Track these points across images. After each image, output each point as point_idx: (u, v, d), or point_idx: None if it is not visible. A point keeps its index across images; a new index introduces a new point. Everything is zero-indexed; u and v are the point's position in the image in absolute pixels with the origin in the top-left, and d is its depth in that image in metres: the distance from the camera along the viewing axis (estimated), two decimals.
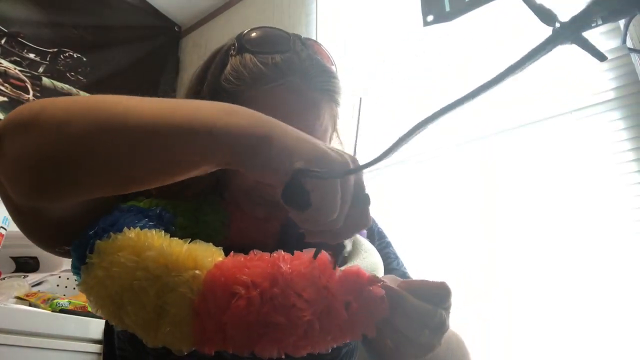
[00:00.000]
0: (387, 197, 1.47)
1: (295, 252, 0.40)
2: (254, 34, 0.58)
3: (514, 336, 1.11)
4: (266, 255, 0.39)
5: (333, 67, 0.61)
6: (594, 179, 1.12)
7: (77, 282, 0.42)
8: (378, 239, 0.70)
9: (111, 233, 0.42)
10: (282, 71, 0.55)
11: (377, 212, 0.75)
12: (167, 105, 0.38)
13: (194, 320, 0.37)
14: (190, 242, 0.42)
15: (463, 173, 1.35)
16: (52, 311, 1.21)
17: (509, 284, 1.16)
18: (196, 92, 0.60)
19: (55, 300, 1.22)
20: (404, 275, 0.67)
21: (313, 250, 0.40)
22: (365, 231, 0.61)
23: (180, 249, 0.40)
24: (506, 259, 1.18)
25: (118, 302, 0.38)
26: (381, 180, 1.51)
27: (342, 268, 0.41)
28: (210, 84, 0.58)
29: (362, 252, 0.52)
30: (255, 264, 0.38)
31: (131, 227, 0.43)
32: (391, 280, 0.41)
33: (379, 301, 0.37)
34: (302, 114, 0.55)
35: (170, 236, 0.46)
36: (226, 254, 0.41)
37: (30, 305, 1.25)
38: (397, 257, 0.70)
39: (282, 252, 0.40)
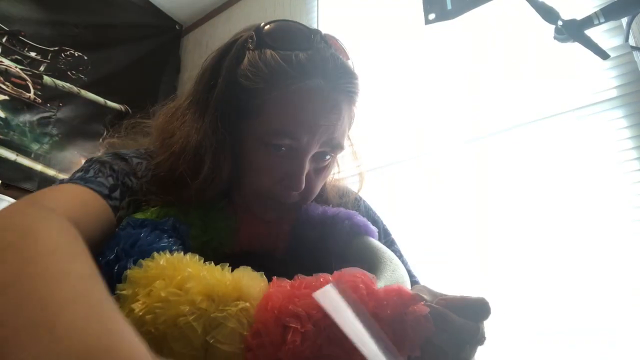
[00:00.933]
0: (388, 195, 1.47)
1: (336, 273, 0.38)
2: (274, 28, 0.56)
3: (512, 336, 1.11)
4: (313, 280, 0.37)
5: (350, 63, 0.59)
6: (596, 177, 1.12)
7: None
8: (384, 236, 0.70)
9: (141, 260, 0.39)
10: (306, 70, 0.53)
11: (381, 209, 0.75)
12: None
13: (247, 357, 0.35)
14: (230, 268, 0.39)
15: (465, 172, 1.35)
16: None
17: (512, 283, 1.16)
18: (211, 86, 0.57)
19: None
20: (408, 272, 0.67)
21: (349, 269, 0.38)
22: (376, 231, 0.60)
23: (223, 278, 0.38)
24: (507, 258, 1.18)
25: (160, 339, 0.35)
26: (384, 178, 1.51)
27: (381, 285, 0.39)
28: (226, 79, 0.55)
29: (388, 263, 0.50)
30: (305, 292, 0.36)
31: (161, 252, 0.40)
32: (426, 292, 0.40)
33: (423, 321, 0.36)
34: (324, 115, 0.54)
35: (187, 250, 0.43)
36: (237, 259, 0.40)
37: None
38: (401, 256, 0.69)
39: (323, 277, 0.38)
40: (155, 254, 0.40)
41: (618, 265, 1.03)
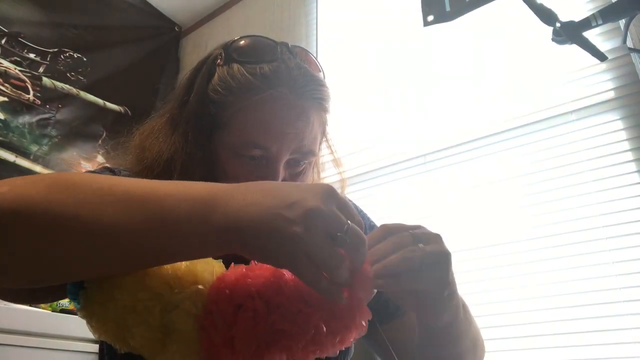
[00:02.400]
0: (389, 198, 1.47)
1: None
2: (241, 43, 0.58)
3: (511, 336, 1.11)
4: (267, 264, 0.39)
5: (321, 75, 0.61)
6: (593, 178, 1.12)
7: (76, 309, 0.41)
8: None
9: None
10: (271, 81, 0.55)
11: (385, 214, 0.75)
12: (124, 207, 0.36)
13: (201, 336, 0.36)
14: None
15: (463, 173, 1.35)
16: (52, 311, 1.21)
17: (511, 283, 1.16)
18: (183, 102, 0.60)
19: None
20: None
21: None
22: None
23: (180, 265, 0.39)
24: (505, 259, 1.18)
25: (122, 324, 0.37)
26: (381, 180, 1.51)
27: None
28: (197, 94, 0.58)
29: None
30: (258, 273, 0.38)
31: None
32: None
33: (369, 281, 0.37)
34: (291, 123, 0.55)
35: None
36: (226, 265, 0.41)
37: (30, 305, 1.25)
38: None
39: None
40: None
41: (618, 265, 1.03)
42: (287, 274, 0.37)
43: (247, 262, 0.40)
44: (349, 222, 0.35)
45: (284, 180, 0.58)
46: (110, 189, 0.37)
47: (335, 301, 0.35)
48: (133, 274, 0.38)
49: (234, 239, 0.34)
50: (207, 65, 0.59)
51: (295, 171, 0.59)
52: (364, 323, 0.37)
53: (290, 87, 0.55)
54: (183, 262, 0.39)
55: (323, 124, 0.63)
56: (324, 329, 0.36)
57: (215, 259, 0.42)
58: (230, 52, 0.58)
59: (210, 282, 0.38)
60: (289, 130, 0.55)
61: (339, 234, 0.34)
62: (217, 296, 0.37)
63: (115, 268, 0.37)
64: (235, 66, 0.56)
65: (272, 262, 0.35)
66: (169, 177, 0.57)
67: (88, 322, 0.40)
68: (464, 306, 0.54)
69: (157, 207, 0.35)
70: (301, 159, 0.59)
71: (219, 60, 0.58)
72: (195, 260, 0.40)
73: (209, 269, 0.39)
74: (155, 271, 0.38)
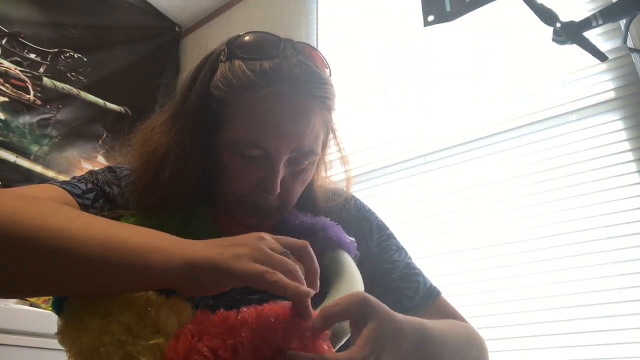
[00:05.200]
0: (390, 199, 1.48)
1: (265, 305, 0.39)
2: (244, 39, 0.57)
3: (510, 336, 1.11)
4: (232, 315, 0.38)
5: (327, 71, 0.60)
6: (593, 179, 1.12)
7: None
8: (377, 232, 0.70)
9: None
10: (270, 78, 0.54)
11: (386, 213, 0.75)
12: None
13: None
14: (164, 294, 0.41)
15: (463, 173, 1.35)
16: (53, 311, 1.21)
17: (504, 284, 1.16)
18: (185, 98, 0.59)
19: None
20: (407, 265, 0.67)
21: (285, 302, 0.39)
22: (355, 244, 0.60)
23: (146, 309, 0.40)
24: (505, 259, 1.18)
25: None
26: (384, 179, 1.51)
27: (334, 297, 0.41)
28: (198, 90, 0.58)
29: (348, 279, 0.51)
30: (215, 331, 0.37)
31: None
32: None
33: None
34: (291, 122, 0.54)
35: None
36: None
37: (30, 305, 1.25)
38: (399, 249, 0.69)
39: (247, 310, 0.38)
40: None
41: (618, 265, 1.03)
42: (244, 331, 0.37)
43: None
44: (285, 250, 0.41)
45: (284, 178, 0.57)
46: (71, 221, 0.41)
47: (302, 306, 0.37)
48: (99, 311, 0.40)
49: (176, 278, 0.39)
50: (210, 61, 0.59)
51: (296, 169, 0.59)
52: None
53: (291, 84, 0.54)
54: (150, 306, 0.40)
55: (327, 122, 0.61)
56: None
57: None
58: (233, 48, 0.57)
59: (171, 334, 0.38)
60: (288, 129, 0.54)
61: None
62: (173, 354, 0.37)
63: (68, 287, 0.41)
64: (237, 62, 0.55)
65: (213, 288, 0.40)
66: (162, 173, 0.57)
67: (63, 346, 0.41)
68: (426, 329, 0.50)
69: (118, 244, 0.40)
70: (302, 158, 0.58)
71: (222, 56, 0.57)
72: (163, 303, 0.40)
73: (172, 319, 0.39)
74: (121, 315, 0.39)
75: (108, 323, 0.38)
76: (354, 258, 0.58)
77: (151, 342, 0.37)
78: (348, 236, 0.60)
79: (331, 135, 0.66)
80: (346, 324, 0.42)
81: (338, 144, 0.68)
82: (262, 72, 0.54)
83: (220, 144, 0.57)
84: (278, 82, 0.54)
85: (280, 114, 0.54)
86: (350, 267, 0.54)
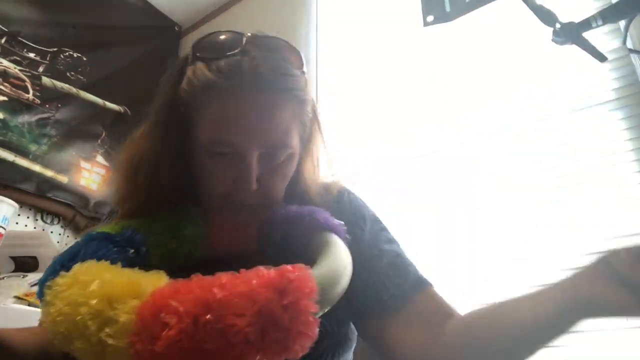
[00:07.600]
0: (390, 199, 1.47)
1: (242, 270, 0.39)
2: (205, 40, 0.58)
3: None
4: (207, 278, 0.38)
5: (297, 63, 0.59)
6: (594, 179, 1.12)
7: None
8: (370, 222, 0.68)
9: (62, 272, 0.44)
10: (229, 76, 0.53)
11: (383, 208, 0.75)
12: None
13: (133, 352, 0.36)
14: (145, 270, 0.42)
15: (462, 172, 1.35)
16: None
17: (504, 284, 1.16)
18: (159, 105, 0.61)
19: None
20: (399, 255, 0.65)
21: (268, 267, 0.39)
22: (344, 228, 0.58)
23: (122, 279, 0.40)
24: (504, 258, 1.18)
25: (68, 338, 0.39)
26: (379, 177, 1.51)
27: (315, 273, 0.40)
28: (167, 96, 0.59)
29: (331, 252, 0.50)
30: (189, 289, 0.37)
31: (88, 260, 0.45)
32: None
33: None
34: (254, 117, 0.54)
35: (142, 258, 0.47)
36: (207, 266, 0.41)
37: (29, 305, 1.25)
38: (391, 241, 0.67)
39: (223, 274, 0.38)
40: (77, 264, 0.45)
41: None
42: (218, 291, 0.36)
43: (226, 263, 0.41)
44: None
45: (262, 174, 0.57)
46: None
47: None
48: (81, 287, 0.40)
49: None
50: (178, 66, 0.60)
51: (273, 164, 0.58)
52: (309, 332, 0.37)
53: (251, 79, 0.53)
54: (128, 276, 0.41)
55: (300, 114, 0.60)
56: (255, 345, 0.35)
57: (198, 259, 0.42)
58: (195, 50, 0.57)
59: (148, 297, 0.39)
60: (252, 125, 0.54)
61: None
62: (145, 313, 0.37)
63: None
64: (199, 64, 0.56)
65: None
66: (137, 179, 0.59)
67: (49, 332, 0.42)
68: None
69: None
70: (276, 152, 0.57)
71: (188, 60, 0.58)
72: (141, 274, 0.41)
73: (151, 284, 0.40)
74: (96, 285, 0.40)
75: (86, 295, 0.39)
76: (344, 240, 0.55)
77: (129, 304, 0.38)
78: (337, 220, 0.58)
79: (315, 128, 0.65)
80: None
81: (321, 135, 0.67)
82: (219, 70, 0.54)
83: (193, 147, 0.58)
84: (237, 78, 0.54)
85: (242, 110, 0.54)
86: (337, 246, 0.52)
